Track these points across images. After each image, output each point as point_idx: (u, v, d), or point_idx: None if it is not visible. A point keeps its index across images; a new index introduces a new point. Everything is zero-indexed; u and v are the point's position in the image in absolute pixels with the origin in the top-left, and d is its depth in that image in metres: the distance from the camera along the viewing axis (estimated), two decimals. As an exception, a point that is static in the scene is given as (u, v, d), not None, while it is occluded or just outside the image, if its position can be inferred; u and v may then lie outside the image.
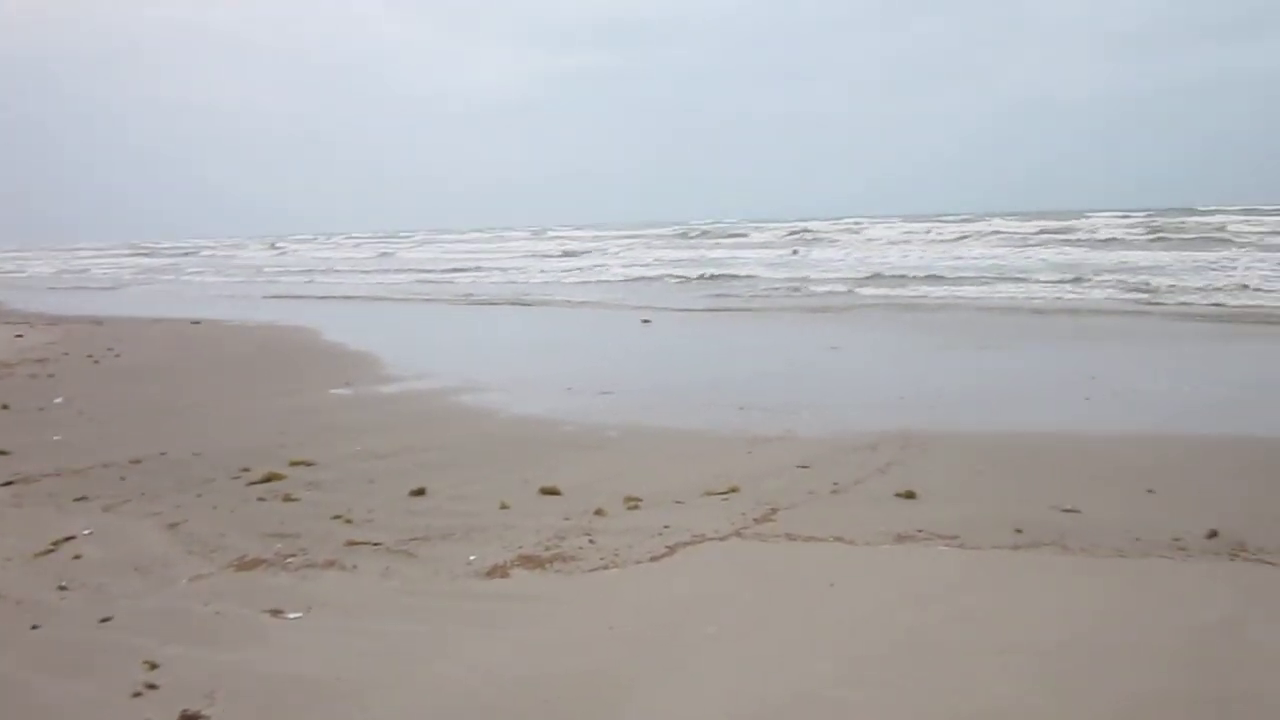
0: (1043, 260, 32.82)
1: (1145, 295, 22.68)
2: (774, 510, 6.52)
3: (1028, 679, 4.02)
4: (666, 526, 6.18)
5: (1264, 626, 4.50)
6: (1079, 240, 40.08)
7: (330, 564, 5.63)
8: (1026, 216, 54.46)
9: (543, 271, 39.92)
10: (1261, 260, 28.03)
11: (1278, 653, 4.23)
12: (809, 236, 51.52)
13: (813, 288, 27.98)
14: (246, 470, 7.71)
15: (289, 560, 5.70)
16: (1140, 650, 4.27)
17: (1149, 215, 50.37)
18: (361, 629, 4.71)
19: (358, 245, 73.26)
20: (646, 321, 20.30)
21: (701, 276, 33.50)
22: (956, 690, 3.94)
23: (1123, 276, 26.06)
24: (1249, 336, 16.34)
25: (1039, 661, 4.18)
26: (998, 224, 49.91)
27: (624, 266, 39.46)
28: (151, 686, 4.10)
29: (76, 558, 5.73)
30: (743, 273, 33.85)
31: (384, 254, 59.92)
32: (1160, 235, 39.45)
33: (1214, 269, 26.60)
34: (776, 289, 28.41)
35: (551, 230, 79.13)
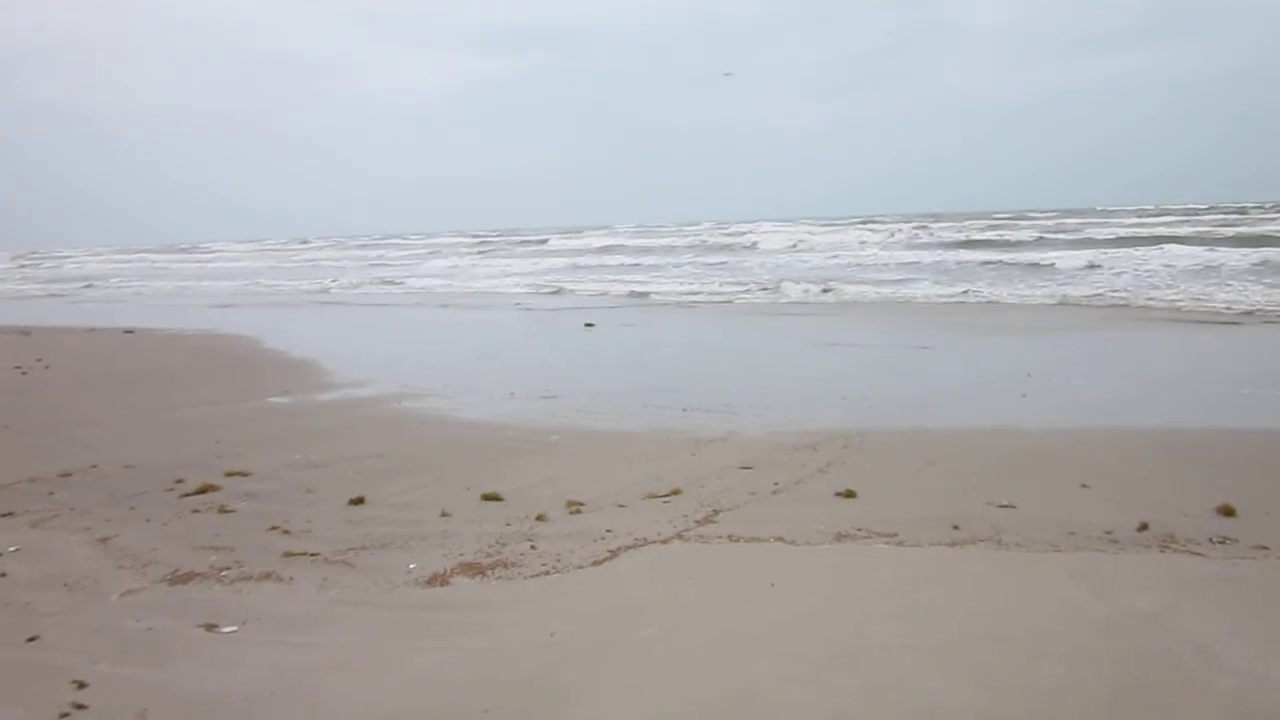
0: (958, 262, 33.33)
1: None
2: (716, 512, 6.54)
3: (962, 675, 4.06)
4: (609, 530, 6.17)
5: (1189, 617, 4.60)
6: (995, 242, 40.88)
7: (267, 576, 5.54)
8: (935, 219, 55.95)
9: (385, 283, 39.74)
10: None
11: (1202, 643, 4.32)
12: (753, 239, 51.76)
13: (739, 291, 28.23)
14: (180, 482, 7.55)
15: (224, 573, 5.59)
16: (1070, 643, 4.34)
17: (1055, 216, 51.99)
18: (298, 642, 4.63)
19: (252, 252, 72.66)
20: (590, 325, 20.27)
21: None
22: (892, 687, 3.98)
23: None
24: (1173, 330, 16.74)
25: (973, 657, 4.23)
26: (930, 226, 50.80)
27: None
28: (80, 707, 4.00)
29: (2, 575, 5.57)
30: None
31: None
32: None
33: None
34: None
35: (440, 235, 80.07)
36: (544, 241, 60.78)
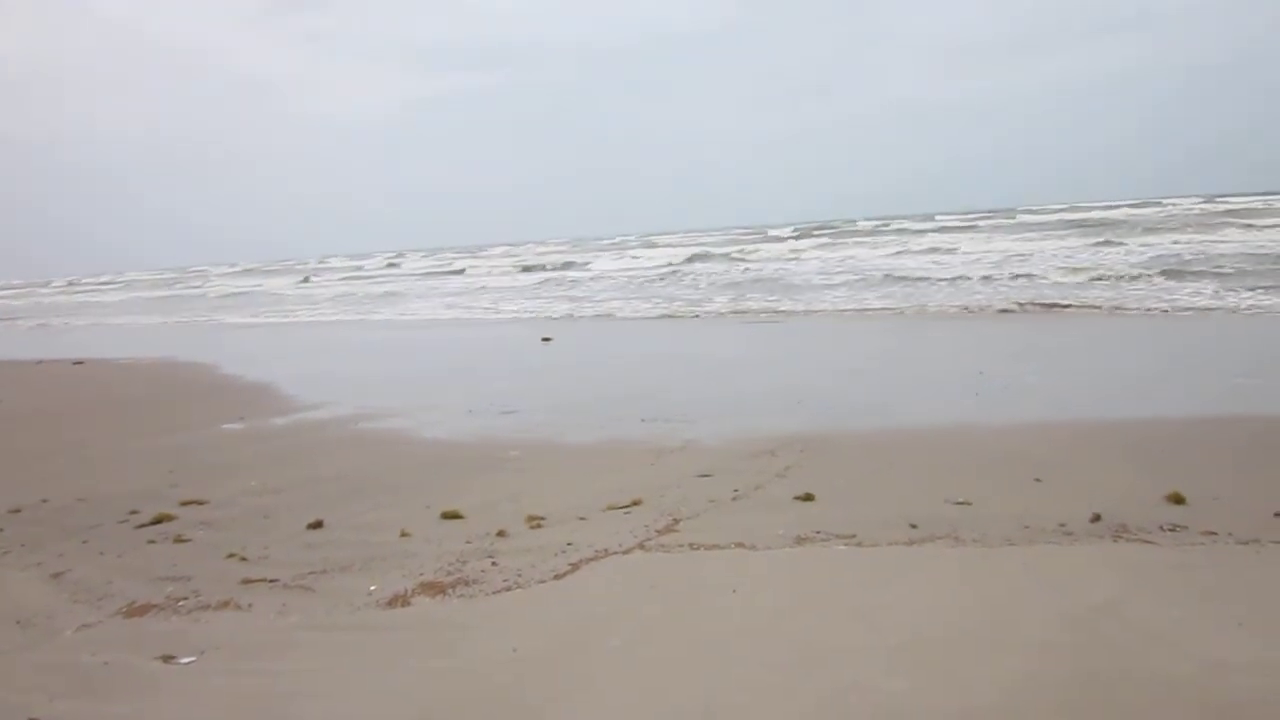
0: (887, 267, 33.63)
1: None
2: (676, 521, 6.56)
3: (922, 671, 4.10)
4: (569, 543, 6.16)
5: (1144, 605, 4.67)
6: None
7: (225, 604, 5.48)
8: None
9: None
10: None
11: (1157, 630, 4.40)
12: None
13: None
14: (135, 513, 7.45)
15: (181, 603, 5.52)
16: (1029, 635, 4.40)
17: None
18: (258, 669, 4.58)
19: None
20: (547, 339, 20.25)
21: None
22: (856, 688, 4.00)
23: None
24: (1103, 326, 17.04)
25: (933, 653, 4.27)
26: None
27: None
28: (35, 745, 3.94)
29: (-49, 615, 5.46)
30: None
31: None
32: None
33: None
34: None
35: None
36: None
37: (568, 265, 49.14)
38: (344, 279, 58.45)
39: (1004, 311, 20.40)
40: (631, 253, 53.79)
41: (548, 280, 41.60)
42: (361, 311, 35.09)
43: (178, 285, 69.65)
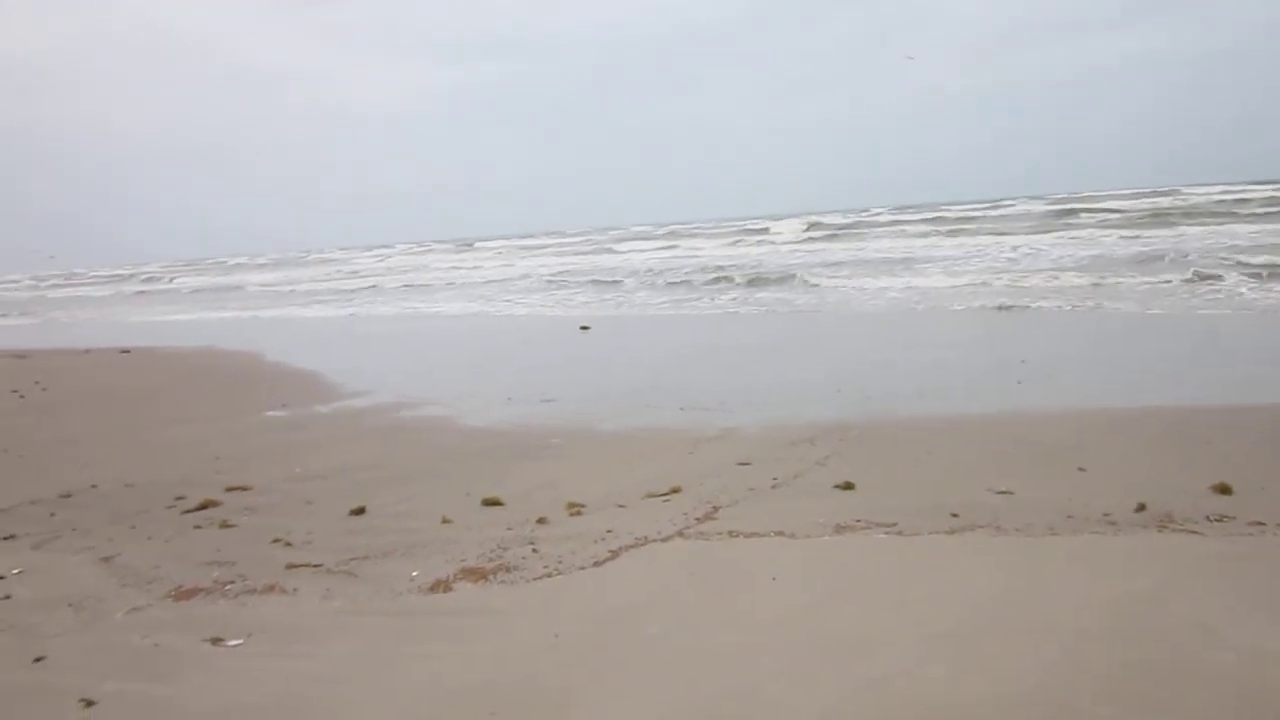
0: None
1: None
2: (716, 509, 6.56)
3: (965, 662, 4.08)
4: (609, 531, 6.19)
5: (1187, 595, 4.62)
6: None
7: (270, 588, 5.56)
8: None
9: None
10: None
11: (1200, 620, 4.34)
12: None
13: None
14: (181, 499, 7.58)
15: (228, 587, 5.62)
16: (1070, 624, 4.36)
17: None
18: (303, 652, 4.65)
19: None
20: (585, 328, 20.29)
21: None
22: (896, 677, 3.99)
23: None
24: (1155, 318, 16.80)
25: (976, 643, 4.24)
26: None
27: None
28: (88, 724, 4.02)
29: (6, 598, 5.59)
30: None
31: None
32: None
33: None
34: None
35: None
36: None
37: (601, 253, 49.14)
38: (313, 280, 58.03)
39: (1038, 303, 20.14)
40: (659, 244, 53.76)
41: (571, 271, 41.53)
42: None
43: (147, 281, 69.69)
